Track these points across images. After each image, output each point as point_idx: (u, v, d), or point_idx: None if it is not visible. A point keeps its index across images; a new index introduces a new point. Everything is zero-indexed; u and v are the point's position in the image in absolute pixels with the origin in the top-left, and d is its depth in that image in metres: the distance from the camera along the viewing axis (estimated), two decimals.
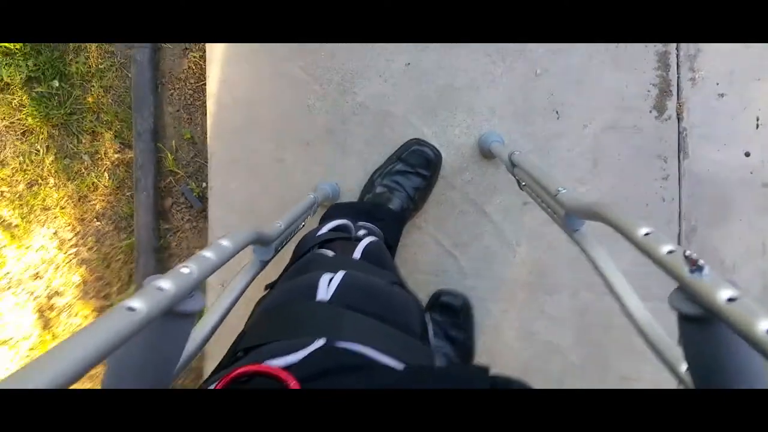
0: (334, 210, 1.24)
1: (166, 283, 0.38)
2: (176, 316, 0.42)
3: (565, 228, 0.82)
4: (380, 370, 0.58)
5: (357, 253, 0.87)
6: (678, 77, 1.32)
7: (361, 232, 1.01)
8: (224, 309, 0.70)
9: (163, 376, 0.48)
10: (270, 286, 0.82)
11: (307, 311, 0.65)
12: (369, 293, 0.70)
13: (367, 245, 0.89)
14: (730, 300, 0.39)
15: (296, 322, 0.63)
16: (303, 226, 1.09)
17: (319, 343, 0.56)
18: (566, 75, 1.34)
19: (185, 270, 0.41)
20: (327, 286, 0.68)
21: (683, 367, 0.54)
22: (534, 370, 1.40)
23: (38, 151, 1.59)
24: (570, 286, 1.38)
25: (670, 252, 0.48)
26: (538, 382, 1.35)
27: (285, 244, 0.95)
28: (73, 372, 0.28)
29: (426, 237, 1.40)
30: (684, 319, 0.45)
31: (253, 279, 0.80)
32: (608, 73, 1.33)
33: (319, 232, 0.95)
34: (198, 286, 0.42)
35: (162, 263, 1.57)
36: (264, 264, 0.83)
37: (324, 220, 1.08)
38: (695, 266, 0.43)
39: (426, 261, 1.41)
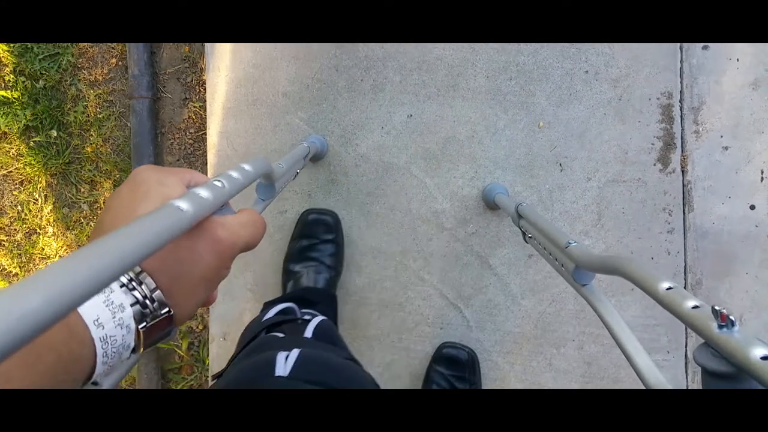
0: (269, 305, 1.24)
1: (205, 192, 0.39)
2: None
3: (572, 282, 0.80)
4: None
5: (308, 333, 0.88)
6: (682, 130, 1.32)
7: (307, 316, 1.02)
8: None
9: None
10: (217, 376, 0.82)
11: (267, 386, 0.66)
12: (326, 368, 0.72)
13: (317, 325, 0.91)
14: (765, 358, 0.38)
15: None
16: (297, 174, 1.10)
17: None
18: (569, 127, 1.33)
19: (218, 183, 0.42)
20: (284, 362, 0.69)
21: None
22: None
23: (36, 200, 1.57)
24: (576, 339, 1.37)
25: (696, 307, 0.47)
26: None
27: (283, 188, 0.98)
28: (125, 261, 0.27)
29: (430, 289, 1.39)
30: (710, 376, 0.44)
31: None
32: (612, 126, 1.32)
33: (266, 317, 0.97)
34: (227, 201, 0.45)
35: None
36: (264, 204, 0.84)
37: (264, 309, 1.09)
38: (726, 321, 0.42)
39: (430, 314, 1.40)
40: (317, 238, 1.35)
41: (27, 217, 1.58)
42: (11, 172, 1.58)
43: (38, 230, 1.58)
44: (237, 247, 0.42)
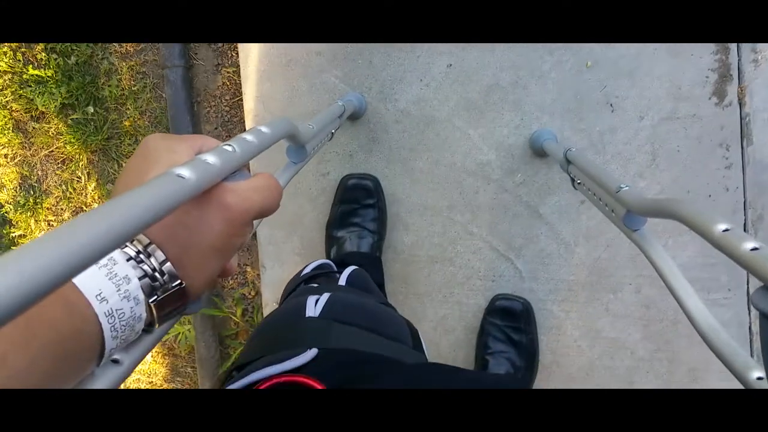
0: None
1: (211, 158, 0.37)
2: None
3: (623, 228, 0.78)
4: (389, 362, 0.60)
5: (342, 281, 0.88)
6: (739, 60, 1.25)
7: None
8: None
9: None
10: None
11: (296, 326, 0.67)
12: (356, 308, 0.72)
13: (350, 273, 0.90)
14: None
15: (286, 337, 0.65)
16: (333, 134, 1.08)
17: (312, 353, 0.57)
18: (618, 66, 1.27)
19: (228, 148, 0.40)
20: (315, 306, 0.69)
21: (754, 374, 0.51)
22: (601, 368, 1.37)
23: (80, 178, 1.58)
24: (633, 282, 1.34)
25: (755, 249, 0.44)
26: (606, 380, 1.34)
27: (317, 149, 0.96)
28: (120, 233, 0.26)
29: (479, 242, 1.37)
30: None
31: (286, 182, 0.80)
32: (663, 61, 1.26)
33: (303, 272, 0.97)
34: (241, 166, 0.43)
35: (216, 285, 1.57)
36: (296, 167, 0.82)
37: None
38: None
39: (481, 267, 1.38)
40: (358, 203, 1.34)
41: (72, 196, 1.59)
42: (52, 151, 1.58)
43: (84, 208, 1.60)
44: (249, 214, 0.40)
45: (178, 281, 0.37)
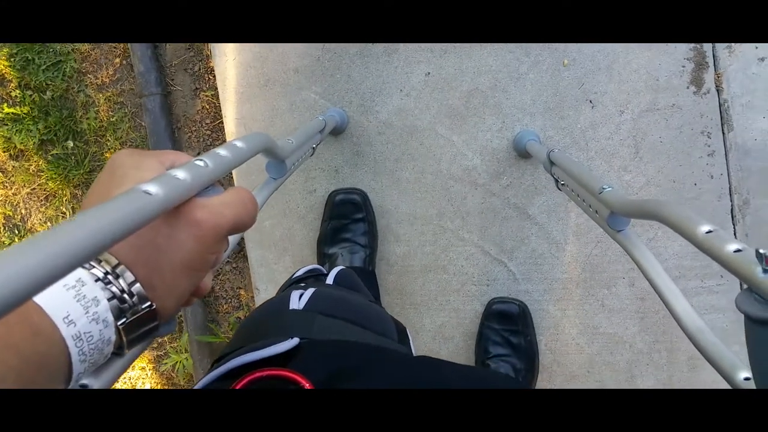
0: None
1: (181, 173, 0.36)
2: None
3: (607, 229, 0.78)
4: (376, 351, 0.59)
5: (329, 280, 0.86)
6: (713, 47, 1.26)
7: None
8: None
9: None
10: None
11: (278, 318, 0.65)
12: (341, 303, 0.70)
13: (338, 272, 0.89)
14: None
15: (268, 327, 0.63)
16: (314, 149, 1.07)
17: (293, 341, 0.55)
18: (595, 61, 1.28)
19: (200, 163, 0.39)
20: (299, 300, 0.67)
21: (741, 375, 0.51)
22: (601, 364, 1.37)
23: (64, 213, 1.56)
24: (626, 276, 1.34)
25: (738, 251, 0.44)
26: (606, 375, 1.34)
27: (298, 164, 0.95)
28: (83, 252, 0.25)
29: (471, 248, 1.37)
30: (753, 323, 0.42)
31: (266, 198, 0.79)
32: (638, 54, 1.27)
33: (295, 275, 0.95)
34: (214, 181, 0.41)
35: (209, 307, 1.55)
36: (276, 183, 0.81)
37: None
38: None
39: (474, 272, 1.38)
40: (347, 218, 1.33)
41: None
42: (35, 189, 1.56)
43: None
44: (221, 230, 0.38)
45: (148, 303, 0.35)
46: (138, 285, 0.35)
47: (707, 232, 0.50)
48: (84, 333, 0.32)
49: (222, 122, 1.41)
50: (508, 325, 1.33)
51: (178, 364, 1.55)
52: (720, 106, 1.27)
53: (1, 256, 0.22)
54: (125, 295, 0.34)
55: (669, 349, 1.36)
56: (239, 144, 0.49)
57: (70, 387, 0.34)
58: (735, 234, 1.31)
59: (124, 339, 0.35)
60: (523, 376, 1.31)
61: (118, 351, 0.37)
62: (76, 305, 0.32)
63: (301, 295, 0.68)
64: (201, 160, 0.40)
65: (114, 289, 0.34)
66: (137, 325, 0.35)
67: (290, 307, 0.66)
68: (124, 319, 0.34)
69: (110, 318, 0.33)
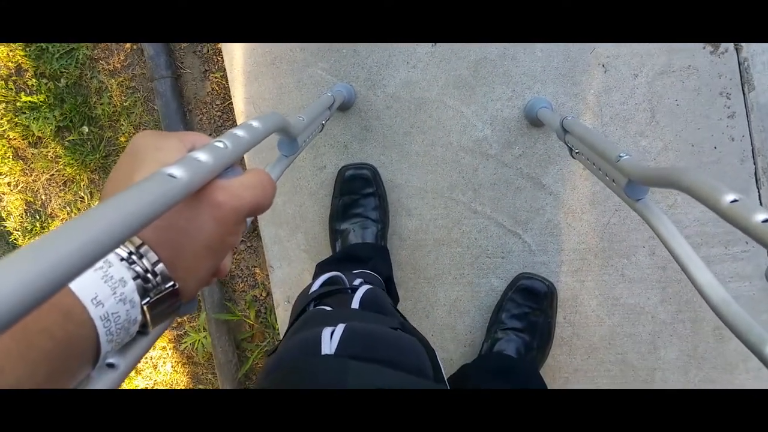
0: (321, 268, 1.23)
1: (203, 155, 0.36)
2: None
3: (625, 198, 0.75)
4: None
5: (354, 303, 0.86)
6: None
7: (357, 281, 0.99)
8: None
9: None
10: (271, 352, 0.81)
11: (312, 366, 0.64)
12: (372, 341, 0.69)
13: (363, 294, 0.88)
14: None
15: (302, 378, 0.62)
16: (323, 125, 1.07)
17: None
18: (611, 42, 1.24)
19: (219, 144, 0.40)
20: (330, 339, 0.67)
21: None
22: (623, 336, 1.34)
23: (83, 198, 1.59)
24: (646, 245, 1.31)
25: (766, 221, 0.42)
26: (628, 347, 1.31)
27: (308, 141, 0.95)
28: (112, 237, 0.26)
29: (484, 220, 1.35)
30: None
31: (279, 176, 0.79)
32: None
33: (312, 289, 0.94)
34: (234, 162, 0.42)
35: (226, 286, 1.57)
36: (288, 161, 0.81)
37: (315, 278, 1.07)
38: None
39: (489, 245, 1.36)
40: (358, 193, 1.32)
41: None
42: (53, 175, 1.59)
43: None
44: (241, 212, 0.39)
45: (171, 282, 0.36)
46: (161, 265, 0.35)
47: (732, 201, 0.46)
48: (112, 313, 0.33)
49: (231, 103, 1.41)
50: (532, 302, 1.30)
51: (197, 342, 1.57)
52: (739, 65, 1.22)
53: (39, 244, 0.22)
54: (149, 275, 0.35)
55: (693, 319, 1.32)
56: (255, 124, 0.49)
57: (97, 366, 0.35)
58: (760, 198, 1.26)
59: (149, 318, 0.36)
60: (533, 357, 1.28)
61: (142, 329, 0.37)
62: (104, 286, 0.32)
63: (332, 333, 0.68)
64: (221, 141, 0.40)
65: (138, 268, 0.34)
66: (160, 304, 0.36)
67: (322, 351, 0.65)
68: (148, 299, 0.35)
69: (136, 298, 0.34)
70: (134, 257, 0.34)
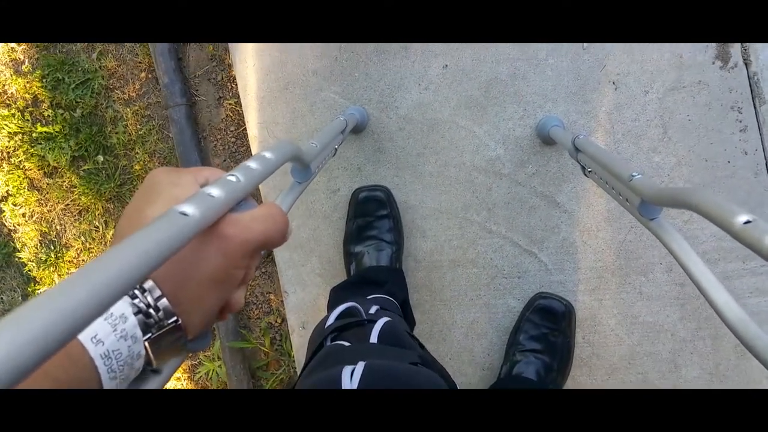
0: (336, 294, 1.22)
1: (215, 191, 0.36)
2: None
3: (639, 217, 0.74)
4: None
5: (373, 337, 0.84)
6: None
7: (373, 309, 0.98)
8: None
9: None
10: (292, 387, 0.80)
11: None
12: (393, 380, 0.68)
13: (381, 327, 0.87)
14: None
15: None
16: (336, 150, 1.07)
17: None
18: (615, 43, 1.26)
19: (232, 178, 0.40)
20: (350, 380, 0.66)
21: None
22: (643, 355, 1.32)
23: (97, 227, 1.60)
24: (663, 261, 1.30)
25: None
26: (649, 366, 1.29)
27: (321, 167, 0.94)
28: (128, 278, 0.25)
29: (499, 240, 1.34)
30: None
31: (293, 202, 0.78)
32: None
33: (328, 322, 0.93)
34: (248, 195, 0.42)
35: (240, 313, 1.56)
36: (301, 187, 0.81)
37: (330, 307, 1.06)
38: None
39: (505, 264, 1.35)
40: (372, 215, 1.32)
41: (92, 246, 1.61)
42: (68, 204, 1.60)
43: None
44: (249, 245, 0.38)
45: (174, 318, 0.35)
46: (164, 300, 0.35)
47: (746, 223, 0.46)
48: (113, 351, 0.32)
49: (245, 128, 1.43)
50: (550, 322, 1.29)
51: (211, 371, 1.55)
52: (749, 79, 1.23)
53: (52, 293, 0.22)
54: (151, 310, 0.34)
55: (713, 336, 1.30)
56: (268, 155, 0.50)
57: None
58: None
59: (151, 354, 0.35)
60: (553, 378, 1.26)
61: (155, 369, 0.37)
62: (103, 323, 0.32)
63: (352, 372, 0.67)
64: (233, 175, 0.41)
65: (140, 303, 0.34)
66: (163, 340, 0.35)
67: None
68: (150, 334, 0.34)
69: (138, 333, 0.34)
70: (136, 291, 0.34)
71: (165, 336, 0.35)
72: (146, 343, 0.34)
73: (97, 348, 0.31)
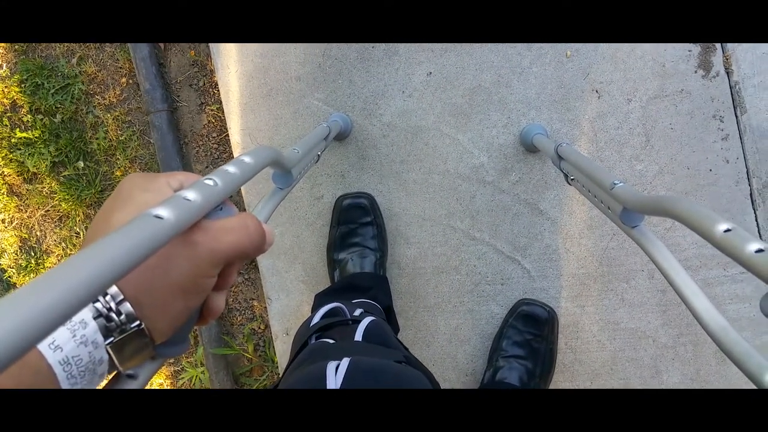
0: (320, 299, 1.22)
1: (191, 194, 0.35)
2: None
3: (620, 225, 0.75)
4: None
5: (358, 336, 0.84)
6: None
7: (357, 312, 0.98)
8: None
9: None
10: (275, 386, 0.79)
11: None
12: (377, 376, 0.68)
13: (367, 326, 0.87)
14: None
15: None
16: (319, 156, 1.06)
17: None
18: (599, 51, 1.26)
19: (209, 182, 0.38)
20: (335, 375, 0.66)
21: None
22: (625, 360, 1.33)
23: (78, 233, 1.58)
24: (645, 268, 1.30)
25: (760, 251, 0.41)
26: (631, 372, 1.30)
27: (304, 173, 0.94)
28: (98, 283, 0.24)
29: (483, 247, 1.35)
30: None
31: (274, 208, 0.77)
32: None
33: (313, 322, 0.93)
34: (225, 200, 0.41)
35: (223, 319, 1.55)
36: (283, 193, 0.80)
37: (314, 309, 1.06)
38: None
39: (488, 271, 1.35)
40: (356, 222, 1.32)
41: (73, 252, 1.59)
42: (48, 210, 1.58)
43: None
44: (217, 254, 0.37)
45: (137, 322, 0.34)
46: (127, 304, 0.33)
47: (726, 231, 0.46)
48: (72, 357, 0.31)
49: (228, 135, 1.42)
50: (533, 328, 1.29)
51: (194, 378, 1.54)
52: (731, 88, 1.24)
53: (13, 298, 0.21)
54: (112, 314, 0.33)
55: (695, 342, 1.32)
56: (247, 159, 0.49)
57: None
58: (756, 220, 1.27)
59: (116, 359, 0.34)
60: (536, 384, 1.27)
61: (130, 374, 0.36)
62: (62, 329, 0.31)
63: (337, 368, 0.67)
64: (210, 179, 0.40)
65: (99, 306, 0.33)
66: (127, 345, 0.34)
67: (327, 386, 0.64)
68: (111, 338, 0.33)
69: (99, 339, 0.32)
70: None
71: (129, 341, 0.34)
72: (108, 348, 0.33)
73: (55, 354, 0.30)
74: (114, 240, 0.27)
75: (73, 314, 0.23)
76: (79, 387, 0.32)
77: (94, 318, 0.32)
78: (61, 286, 0.23)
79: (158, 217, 0.31)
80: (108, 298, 0.33)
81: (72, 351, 0.31)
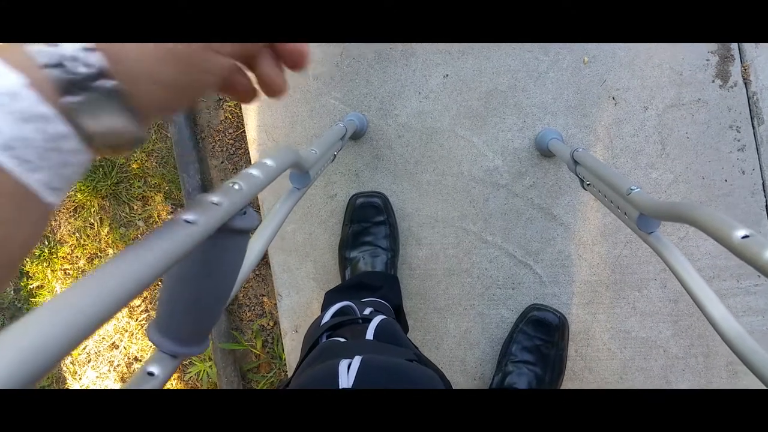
0: (330, 297, 1.22)
1: (219, 198, 0.37)
2: (233, 233, 0.41)
3: (637, 230, 0.75)
4: None
5: (369, 334, 0.85)
6: None
7: (368, 311, 0.98)
8: (266, 238, 0.69)
9: (221, 293, 0.46)
10: (285, 385, 0.79)
11: None
12: (390, 374, 0.68)
13: (378, 325, 0.87)
14: None
15: None
16: (335, 156, 1.07)
17: None
18: (616, 58, 1.26)
19: (235, 186, 0.40)
20: (347, 373, 0.66)
21: None
22: (635, 370, 1.32)
23: (92, 224, 1.59)
24: (657, 277, 1.30)
25: None
26: (640, 381, 1.29)
27: (320, 173, 0.95)
28: (134, 286, 0.26)
29: (495, 250, 1.34)
30: None
31: (291, 208, 0.79)
32: (661, 49, 1.25)
33: (323, 320, 0.93)
34: (249, 204, 0.42)
35: (232, 315, 1.55)
36: (300, 193, 0.82)
37: (324, 307, 1.06)
38: None
39: (500, 275, 1.35)
40: (368, 221, 1.32)
41: (86, 243, 1.60)
42: (64, 200, 1.60)
43: (99, 253, 1.60)
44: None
45: (110, 80, 0.27)
46: (97, 54, 0.26)
47: (743, 237, 0.46)
48: (12, 139, 0.25)
49: (244, 131, 1.43)
50: (543, 334, 1.29)
51: (202, 372, 1.54)
52: (749, 98, 1.24)
53: (54, 304, 0.23)
54: (77, 64, 0.26)
55: (706, 353, 1.30)
56: (269, 162, 0.51)
57: (50, 201, 0.27)
58: None
59: (84, 128, 0.27)
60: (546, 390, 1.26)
61: (150, 372, 0.38)
62: None
63: (349, 366, 0.67)
64: (236, 182, 0.41)
65: (50, 50, 0.25)
66: (99, 111, 0.27)
67: (340, 385, 0.65)
68: (70, 96, 0.26)
69: (45, 110, 0.25)
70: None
71: (99, 105, 0.27)
72: (69, 107, 0.26)
73: None
74: (149, 245, 0.29)
75: (111, 317, 0.25)
76: (47, 173, 0.26)
77: (49, 66, 0.26)
78: (99, 290, 0.25)
79: (188, 221, 0.33)
80: (70, 46, 0.26)
81: (10, 132, 0.24)
